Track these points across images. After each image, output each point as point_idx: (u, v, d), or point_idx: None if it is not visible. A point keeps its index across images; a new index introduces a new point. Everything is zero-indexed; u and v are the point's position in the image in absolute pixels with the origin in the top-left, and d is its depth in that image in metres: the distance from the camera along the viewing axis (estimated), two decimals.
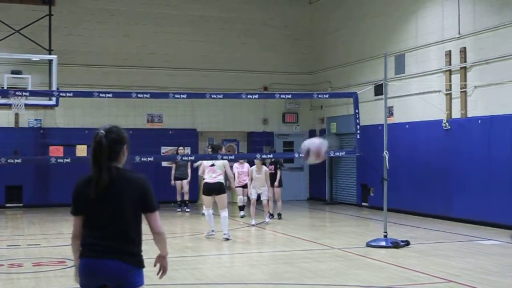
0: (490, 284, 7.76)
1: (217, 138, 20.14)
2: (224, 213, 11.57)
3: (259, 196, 14.28)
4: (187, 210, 17.16)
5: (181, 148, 17.40)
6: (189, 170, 17.19)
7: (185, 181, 17.19)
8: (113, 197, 3.90)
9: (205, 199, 11.77)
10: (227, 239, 11.53)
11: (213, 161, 11.70)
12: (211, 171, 11.63)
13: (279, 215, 15.19)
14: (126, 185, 3.92)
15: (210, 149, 13.09)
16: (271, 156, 14.59)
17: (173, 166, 17.30)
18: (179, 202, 17.40)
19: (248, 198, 15.48)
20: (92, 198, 3.89)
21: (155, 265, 4.17)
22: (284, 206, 15.46)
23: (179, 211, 17.05)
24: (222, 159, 14.55)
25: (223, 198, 11.64)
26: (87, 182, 3.94)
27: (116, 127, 3.98)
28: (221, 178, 11.63)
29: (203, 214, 15.48)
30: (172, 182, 17.18)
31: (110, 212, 3.89)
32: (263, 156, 14.12)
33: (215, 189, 11.56)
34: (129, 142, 4.02)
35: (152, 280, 8.22)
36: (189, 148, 18.89)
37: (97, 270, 3.86)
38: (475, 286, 7.61)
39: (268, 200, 14.41)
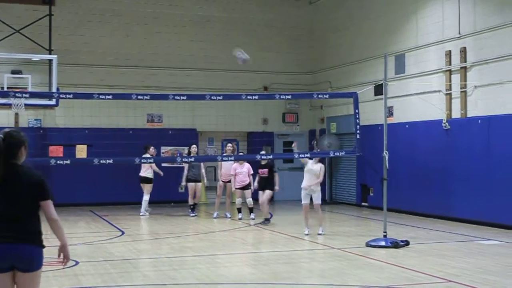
0: (489, 284, 7.76)
1: (217, 138, 20.14)
2: (146, 197, 16.10)
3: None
4: (192, 214, 15.85)
5: (193, 146, 16.00)
6: (203, 171, 16.02)
7: (199, 184, 15.86)
8: (11, 189, 4.33)
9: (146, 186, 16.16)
10: (143, 215, 15.82)
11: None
12: (143, 167, 15.91)
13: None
14: (23, 178, 4.39)
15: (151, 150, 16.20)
16: (270, 156, 14.34)
17: (185, 166, 15.82)
18: (192, 206, 15.86)
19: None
20: None
21: (58, 256, 4.52)
22: (284, 206, 15.47)
23: (193, 216, 15.76)
24: (222, 160, 14.52)
25: (147, 186, 16.05)
26: None
27: (16, 131, 4.51)
28: (148, 173, 15.97)
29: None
30: (183, 183, 15.99)
31: (8, 201, 4.30)
32: (262, 157, 14.07)
33: (141, 180, 16.11)
34: (27, 143, 4.53)
35: (151, 279, 8.29)
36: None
37: (8, 254, 4.25)
38: (475, 286, 7.61)
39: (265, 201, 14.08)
